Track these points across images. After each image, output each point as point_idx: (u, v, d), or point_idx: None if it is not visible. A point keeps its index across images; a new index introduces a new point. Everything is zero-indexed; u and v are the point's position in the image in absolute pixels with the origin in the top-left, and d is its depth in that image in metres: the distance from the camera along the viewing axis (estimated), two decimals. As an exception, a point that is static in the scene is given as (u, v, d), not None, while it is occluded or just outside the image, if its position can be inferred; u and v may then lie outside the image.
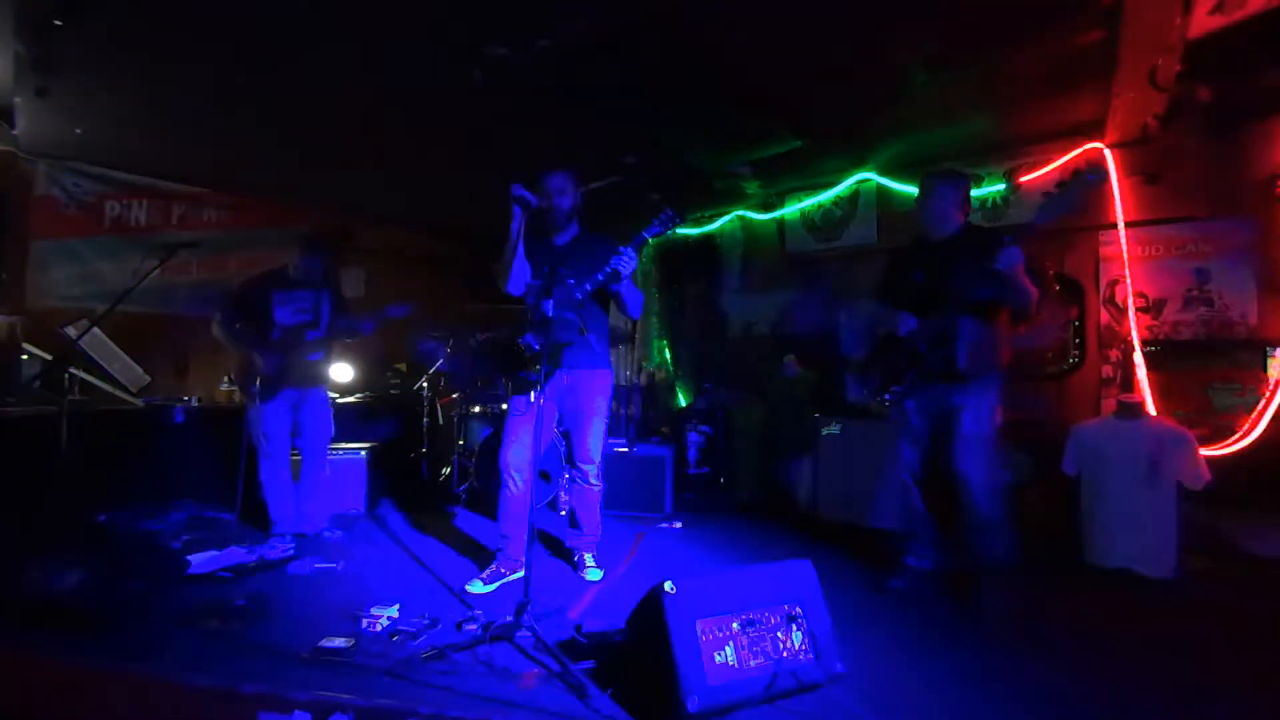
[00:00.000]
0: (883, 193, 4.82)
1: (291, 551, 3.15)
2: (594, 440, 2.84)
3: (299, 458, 3.54)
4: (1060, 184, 2.45)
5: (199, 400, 4.44)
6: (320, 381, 3.47)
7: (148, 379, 4.12)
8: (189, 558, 2.90)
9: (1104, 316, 3.93)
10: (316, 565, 2.96)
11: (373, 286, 6.05)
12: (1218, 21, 2.82)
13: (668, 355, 5.98)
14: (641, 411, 5.94)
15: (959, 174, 2.81)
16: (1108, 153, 3.87)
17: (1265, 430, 3.27)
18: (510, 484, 2.71)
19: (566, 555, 3.08)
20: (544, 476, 4.17)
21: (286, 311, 3.34)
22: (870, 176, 4.82)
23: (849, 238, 5.01)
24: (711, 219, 5.78)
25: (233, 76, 3.40)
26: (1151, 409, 3.47)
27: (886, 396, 2.84)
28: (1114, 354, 3.88)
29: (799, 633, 1.85)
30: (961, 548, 2.70)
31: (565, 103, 3.66)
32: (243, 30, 2.98)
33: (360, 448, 4.22)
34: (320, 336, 3.36)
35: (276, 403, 3.30)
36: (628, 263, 2.54)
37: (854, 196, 4.98)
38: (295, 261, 3.45)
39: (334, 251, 3.56)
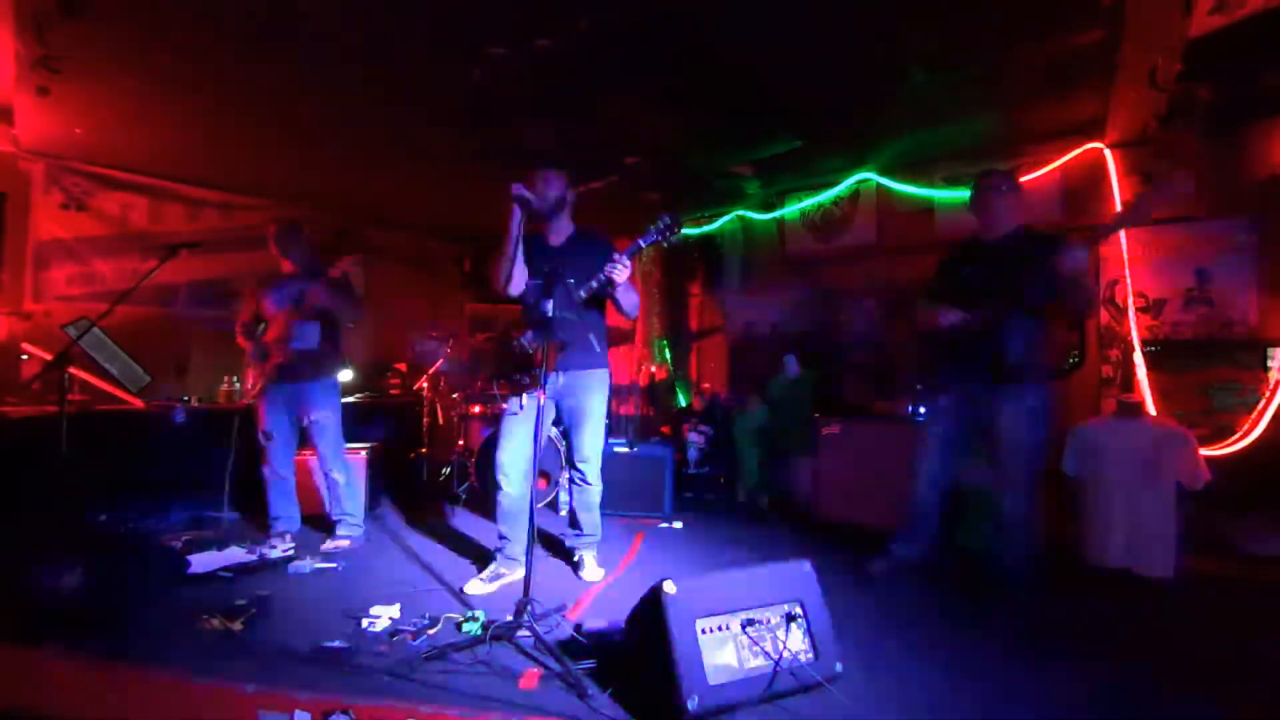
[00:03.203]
0: (883, 193, 4.82)
1: (291, 551, 3.14)
2: (593, 440, 2.84)
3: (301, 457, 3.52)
4: (1138, 194, 2.40)
5: (199, 400, 4.44)
6: (320, 373, 3.31)
7: (148, 379, 4.11)
8: (189, 558, 2.90)
9: (1104, 316, 3.93)
10: (316, 565, 2.96)
11: (372, 286, 6.06)
12: (1218, 21, 2.81)
13: (668, 355, 5.98)
14: (641, 412, 5.95)
15: (1013, 174, 2.76)
16: (1108, 153, 3.87)
17: (1265, 430, 3.27)
18: (503, 484, 2.71)
19: (566, 555, 3.08)
20: (544, 476, 4.17)
21: (270, 301, 3.29)
22: (870, 176, 4.82)
23: (849, 238, 5.01)
24: (711, 219, 5.78)
25: (233, 77, 3.41)
26: (1151, 409, 3.47)
27: (920, 388, 2.77)
28: (1114, 354, 3.89)
29: (799, 633, 1.85)
30: (983, 551, 2.68)
31: (565, 103, 3.67)
32: (243, 30, 2.98)
33: (360, 448, 4.23)
34: (303, 320, 3.25)
35: (271, 397, 3.27)
36: (622, 270, 2.53)
37: (854, 196, 4.98)
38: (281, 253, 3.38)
39: (311, 237, 3.45)
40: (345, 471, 3.37)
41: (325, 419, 3.29)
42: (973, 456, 2.89)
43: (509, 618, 2.11)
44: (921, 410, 2.82)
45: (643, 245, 2.51)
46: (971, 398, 2.67)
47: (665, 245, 2.68)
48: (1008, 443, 2.58)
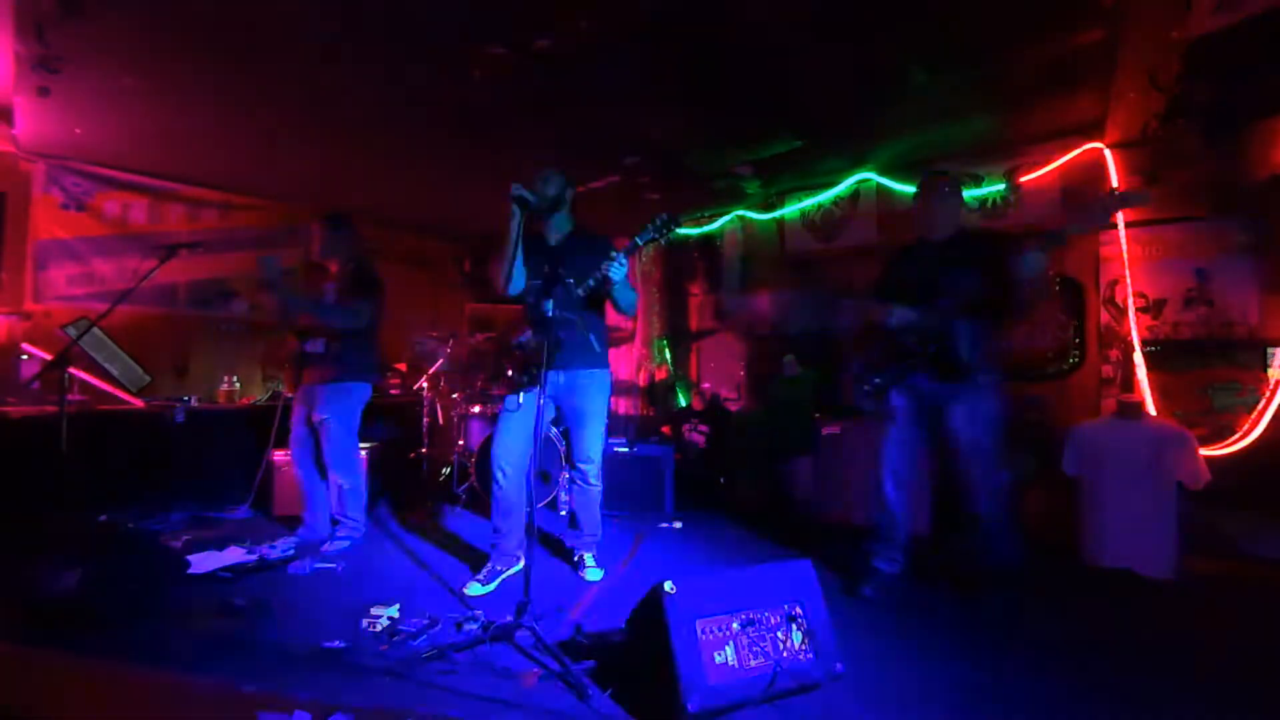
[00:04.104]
0: (883, 193, 4.82)
1: (291, 551, 3.14)
2: (593, 440, 2.84)
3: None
4: (1097, 198, 2.42)
5: (199, 400, 4.44)
6: (328, 377, 3.23)
7: (148, 379, 4.11)
8: (189, 558, 2.90)
9: (1104, 316, 3.93)
10: (316, 565, 2.96)
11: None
12: (1218, 21, 2.81)
13: (668, 355, 5.98)
14: (641, 412, 5.96)
15: (957, 175, 2.80)
16: (1108, 153, 3.87)
17: (1265, 430, 3.27)
18: (499, 477, 2.70)
19: (566, 555, 3.08)
20: (544, 476, 4.18)
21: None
22: (870, 176, 4.83)
23: (849, 238, 5.01)
24: (711, 219, 5.78)
25: (233, 77, 3.41)
26: (1151, 409, 3.47)
27: (865, 388, 2.75)
28: (1114, 354, 3.89)
29: (799, 633, 1.85)
30: (964, 550, 2.68)
31: (565, 103, 3.67)
32: (242, 30, 2.98)
33: (361, 448, 4.22)
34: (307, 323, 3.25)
35: (296, 399, 3.33)
36: (618, 268, 2.53)
37: (854, 196, 4.98)
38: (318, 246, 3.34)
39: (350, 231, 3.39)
40: (348, 476, 3.33)
41: (327, 422, 3.24)
42: (936, 455, 2.87)
43: (509, 618, 2.11)
44: (871, 409, 2.80)
45: (640, 243, 2.51)
46: (921, 397, 2.67)
47: (663, 242, 2.69)
48: (965, 446, 2.59)
